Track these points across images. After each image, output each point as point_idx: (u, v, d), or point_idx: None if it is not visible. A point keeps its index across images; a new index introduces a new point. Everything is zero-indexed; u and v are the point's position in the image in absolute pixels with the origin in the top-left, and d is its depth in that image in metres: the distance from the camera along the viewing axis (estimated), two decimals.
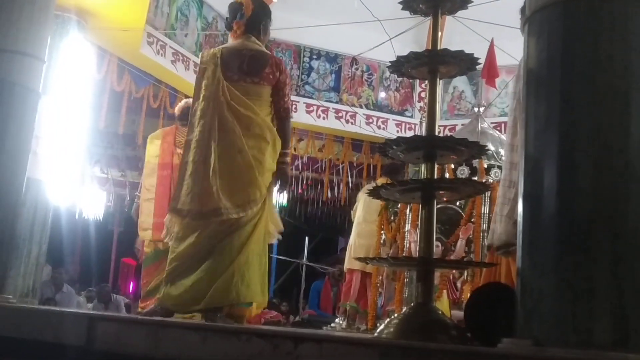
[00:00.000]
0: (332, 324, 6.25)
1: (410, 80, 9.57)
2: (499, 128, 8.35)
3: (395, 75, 9.55)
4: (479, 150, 2.52)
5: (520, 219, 2.25)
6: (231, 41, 4.06)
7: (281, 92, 3.92)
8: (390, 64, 2.64)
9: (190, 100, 4.84)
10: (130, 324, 2.51)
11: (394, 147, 2.55)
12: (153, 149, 5.41)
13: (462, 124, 8.50)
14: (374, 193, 2.68)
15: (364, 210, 6.75)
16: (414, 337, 2.33)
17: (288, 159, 4.03)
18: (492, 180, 5.63)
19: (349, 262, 6.72)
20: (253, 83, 3.85)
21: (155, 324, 2.45)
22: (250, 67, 3.86)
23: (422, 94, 9.69)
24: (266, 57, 3.96)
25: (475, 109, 7.77)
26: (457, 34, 7.66)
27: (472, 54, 2.60)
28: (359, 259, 3.21)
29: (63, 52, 6.12)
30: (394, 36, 7.44)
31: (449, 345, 2.23)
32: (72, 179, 7.45)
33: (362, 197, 6.86)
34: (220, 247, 3.61)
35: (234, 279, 3.54)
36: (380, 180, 6.87)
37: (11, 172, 3.85)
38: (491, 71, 6.18)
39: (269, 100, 3.90)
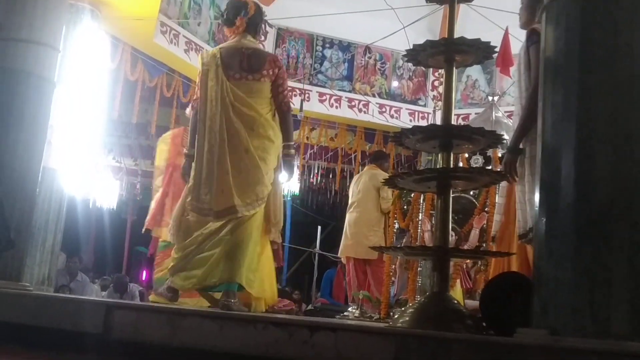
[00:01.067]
0: (345, 313, 6.24)
1: (424, 69, 9.52)
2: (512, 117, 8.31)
3: (408, 64, 9.59)
4: (495, 139, 2.51)
5: (536, 208, 2.24)
6: (228, 39, 4.21)
7: (280, 87, 4.06)
8: (405, 53, 2.62)
9: None
10: (147, 312, 2.52)
11: (410, 135, 2.54)
12: (161, 153, 5.60)
13: (476, 113, 8.45)
14: (390, 182, 2.68)
15: (358, 197, 6.75)
16: (429, 326, 2.33)
17: (292, 151, 4.17)
18: None
19: (343, 250, 6.76)
20: (254, 80, 4.00)
21: (172, 312, 2.46)
22: (250, 64, 4.01)
23: (436, 83, 9.63)
24: (264, 54, 4.13)
25: (490, 98, 7.74)
26: (470, 22, 7.59)
27: (489, 43, 2.58)
28: (374, 248, 3.19)
29: (77, 41, 6.12)
30: (407, 24, 7.40)
31: (466, 334, 2.23)
32: (86, 168, 7.49)
33: (359, 184, 6.83)
34: (226, 239, 3.80)
35: (241, 266, 3.75)
36: (369, 168, 6.89)
37: (27, 162, 3.87)
38: (505, 59, 6.11)
39: (269, 97, 4.04)
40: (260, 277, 3.91)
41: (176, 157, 5.41)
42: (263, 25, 4.35)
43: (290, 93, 4.08)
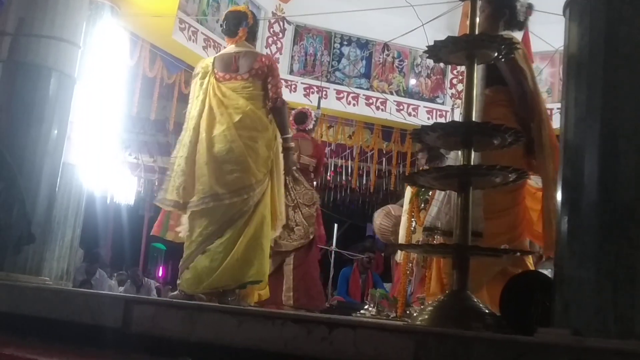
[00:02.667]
0: (362, 311, 6.23)
1: (442, 67, 9.47)
2: None
3: (427, 62, 9.55)
4: (516, 136, 2.49)
5: (558, 207, 2.22)
6: (227, 47, 4.39)
7: (271, 84, 4.21)
8: (427, 49, 2.60)
9: None
10: (166, 307, 2.53)
11: (430, 132, 2.53)
12: None
13: None
14: (410, 179, 2.66)
15: None
16: (449, 324, 2.32)
17: (291, 144, 4.39)
18: None
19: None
20: (243, 79, 4.18)
21: (191, 308, 2.47)
22: (238, 65, 4.20)
23: (454, 81, 9.59)
24: (255, 54, 4.33)
25: None
26: None
27: (511, 39, 2.56)
28: (393, 245, 3.18)
29: (96, 38, 6.15)
30: (426, 22, 7.35)
31: (486, 333, 2.21)
32: (104, 164, 7.53)
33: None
34: (226, 233, 3.95)
35: (237, 262, 3.89)
36: None
37: (48, 157, 3.90)
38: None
39: (261, 94, 4.20)
40: (258, 262, 4.04)
41: None
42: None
43: (281, 89, 4.23)
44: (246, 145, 4.01)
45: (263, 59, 4.26)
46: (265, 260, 4.13)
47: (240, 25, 4.31)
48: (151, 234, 5.60)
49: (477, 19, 2.74)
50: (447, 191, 3.14)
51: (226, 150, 4.00)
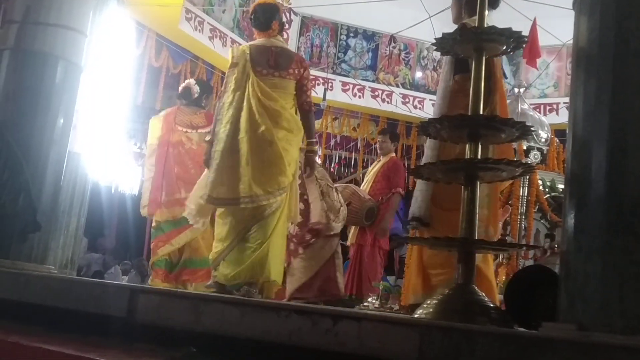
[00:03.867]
0: (365, 303, 6.23)
1: None
2: (538, 109, 8.21)
3: (433, 55, 9.51)
4: (524, 130, 2.47)
5: (565, 201, 2.21)
6: (259, 39, 4.32)
7: (304, 87, 4.24)
8: (434, 41, 2.59)
9: (192, 81, 5.74)
10: (171, 297, 2.53)
11: (437, 125, 2.52)
12: (154, 130, 5.65)
13: None
14: (416, 172, 2.65)
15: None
16: (454, 318, 2.31)
17: (315, 148, 4.44)
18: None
19: None
20: (280, 77, 4.16)
21: (196, 298, 2.47)
22: (277, 62, 4.17)
23: None
24: (292, 54, 4.35)
25: (515, 90, 7.65)
26: (497, 12, 7.51)
27: (520, 32, 2.54)
28: (397, 238, 3.17)
29: (102, 27, 6.12)
30: (433, 14, 7.32)
31: (491, 327, 2.20)
32: (109, 153, 7.53)
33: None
34: (254, 230, 3.98)
35: (267, 258, 3.93)
36: None
37: (54, 146, 3.90)
38: (533, 51, 6.05)
39: (293, 94, 4.21)
40: (279, 261, 4.12)
41: (170, 134, 5.48)
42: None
43: (313, 88, 4.24)
44: (283, 147, 4.03)
45: (300, 61, 4.29)
46: (283, 259, 4.28)
47: (274, 18, 4.29)
48: (149, 214, 5.54)
49: (486, 12, 2.73)
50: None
51: (266, 151, 4.01)
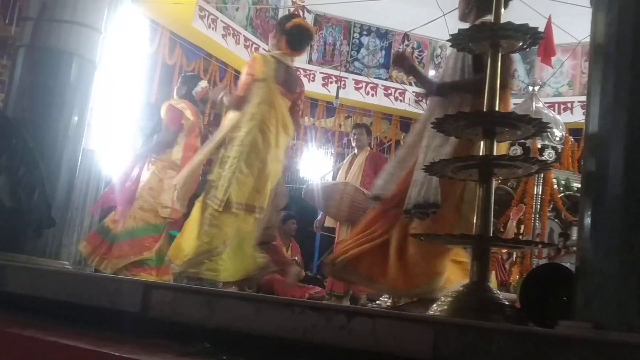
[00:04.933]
0: (377, 301, 6.22)
1: None
2: (552, 108, 8.15)
3: (446, 53, 9.45)
4: (540, 127, 2.45)
5: (581, 199, 2.19)
6: (284, 57, 4.34)
7: (298, 107, 4.49)
8: (450, 37, 2.57)
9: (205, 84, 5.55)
10: (185, 293, 2.53)
11: (453, 122, 2.50)
12: (186, 112, 5.44)
13: (515, 104, 8.32)
14: (429, 169, 2.64)
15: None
16: (469, 315, 2.30)
17: None
18: None
19: None
20: (288, 99, 4.30)
21: (210, 294, 2.47)
22: (291, 85, 4.33)
23: None
24: (296, 74, 4.52)
25: (530, 88, 7.61)
26: (511, 10, 7.46)
27: (536, 28, 2.52)
28: (413, 236, 3.14)
29: (117, 24, 6.16)
30: (447, 12, 7.29)
31: (506, 324, 2.19)
32: (123, 150, 7.57)
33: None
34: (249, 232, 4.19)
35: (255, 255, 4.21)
36: None
37: (68, 142, 3.92)
38: (548, 49, 6.03)
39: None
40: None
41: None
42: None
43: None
44: (283, 167, 4.38)
45: (299, 79, 4.49)
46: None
47: (309, 44, 4.58)
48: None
49: (502, 9, 2.71)
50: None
51: (278, 171, 4.27)
